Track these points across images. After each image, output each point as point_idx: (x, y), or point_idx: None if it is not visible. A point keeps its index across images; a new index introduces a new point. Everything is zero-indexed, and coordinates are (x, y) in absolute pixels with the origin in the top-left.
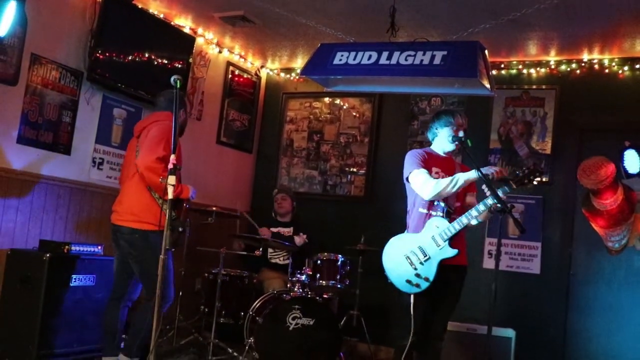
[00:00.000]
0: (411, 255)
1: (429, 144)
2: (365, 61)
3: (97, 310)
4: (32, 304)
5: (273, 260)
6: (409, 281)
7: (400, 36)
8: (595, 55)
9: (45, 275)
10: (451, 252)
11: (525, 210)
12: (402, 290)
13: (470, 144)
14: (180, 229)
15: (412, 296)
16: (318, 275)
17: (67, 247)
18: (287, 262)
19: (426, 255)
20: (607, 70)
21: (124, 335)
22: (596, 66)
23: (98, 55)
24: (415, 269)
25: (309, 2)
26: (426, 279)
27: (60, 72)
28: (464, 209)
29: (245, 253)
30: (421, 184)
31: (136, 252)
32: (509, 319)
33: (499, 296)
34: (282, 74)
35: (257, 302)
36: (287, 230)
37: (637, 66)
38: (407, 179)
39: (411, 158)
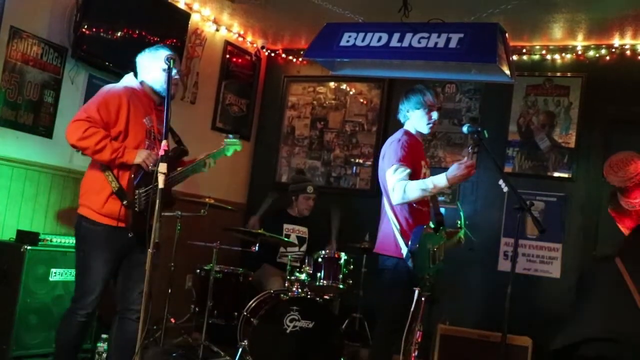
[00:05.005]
0: None
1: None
2: (374, 43)
3: None
4: (8, 299)
5: (280, 260)
6: None
7: (413, 16)
8: (628, 41)
9: (22, 268)
10: None
11: (546, 208)
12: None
13: (486, 135)
14: None
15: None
16: (318, 274)
17: (47, 238)
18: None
19: None
20: None
21: None
22: (628, 52)
23: (84, 30)
24: None
25: None
26: None
27: (42, 48)
28: None
29: (239, 249)
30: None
31: None
32: (525, 327)
33: (514, 301)
34: (284, 56)
35: (252, 302)
36: (302, 230)
37: None
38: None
39: (395, 148)
